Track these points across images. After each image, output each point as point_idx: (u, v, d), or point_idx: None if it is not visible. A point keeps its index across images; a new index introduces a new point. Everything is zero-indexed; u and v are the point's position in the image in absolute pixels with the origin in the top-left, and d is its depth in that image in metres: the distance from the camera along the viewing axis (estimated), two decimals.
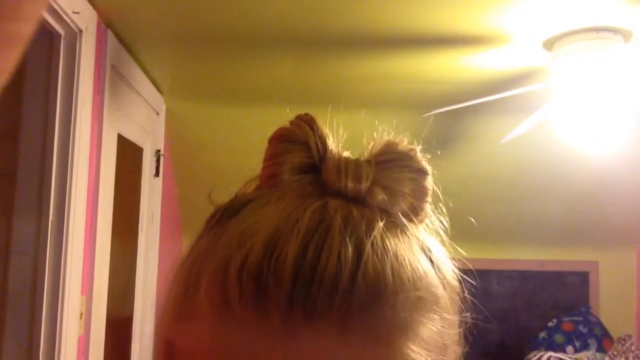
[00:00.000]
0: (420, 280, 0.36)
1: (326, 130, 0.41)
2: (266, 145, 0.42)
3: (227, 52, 1.91)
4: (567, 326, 3.25)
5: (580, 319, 3.25)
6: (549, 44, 1.72)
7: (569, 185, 2.75)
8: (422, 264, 0.37)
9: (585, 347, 3.17)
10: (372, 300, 0.34)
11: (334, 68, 1.99)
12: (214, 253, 0.36)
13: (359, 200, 0.39)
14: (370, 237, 0.35)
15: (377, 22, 1.63)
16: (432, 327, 0.36)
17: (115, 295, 1.89)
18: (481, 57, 1.83)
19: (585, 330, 3.22)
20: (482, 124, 2.45)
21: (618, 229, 3.12)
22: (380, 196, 0.39)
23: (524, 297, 3.42)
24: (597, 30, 1.62)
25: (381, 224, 0.36)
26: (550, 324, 3.27)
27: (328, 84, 2.13)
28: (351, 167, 0.39)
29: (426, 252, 0.38)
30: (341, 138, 0.42)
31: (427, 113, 1.97)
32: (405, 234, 0.38)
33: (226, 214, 0.39)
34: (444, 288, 0.38)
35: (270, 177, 0.41)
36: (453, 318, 0.38)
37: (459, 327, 0.39)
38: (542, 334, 3.26)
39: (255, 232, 0.36)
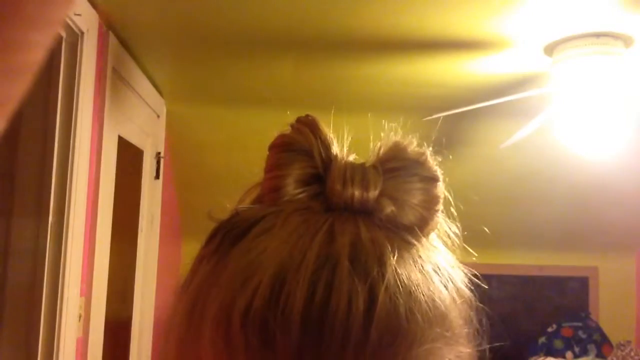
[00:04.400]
0: (436, 316, 0.34)
1: (330, 134, 0.39)
2: (267, 147, 0.40)
3: (228, 54, 1.91)
4: (567, 332, 3.24)
5: (580, 324, 3.25)
6: (550, 49, 1.72)
7: (569, 190, 2.75)
8: (437, 292, 0.35)
9: (584, 352, 3.16)
10: (386, 354, 0.32)
11: (335, 71, 1.99)
12: (217, 289, 0.34)
13: (366, 213, 0.37)
14: (382, 275, 0.33)
15: (379, 26, 1.63)
16: None
17: (114, 297, 1.89)
18: (482, 61, 1.83)
19: (584, 336, 3.21)
20: (482, 129, 2.45)
21: (618, 234, 3.12)
22: (389, 208, 0.37)
23: (524, 302, 3.41)
24: (598, 35, 1.63)
25: (393, 256, 0.34)
26: (549, 329, 3.27)
27: (328, 86, 2.13)
28: (357, 174, 0.37)
29: (438, 272, 0.36)
30: (346, 141, 0.40)
31: (428, 117, 1.97)
32: (417, 255, 0.36)
33: (229, 237, 0.37)
34: (457, 310, 0.36)
35: (272, 190, 0.38)
36: (466, 350, 0.36)
37: (471, 346, 0.38)
38: (542, 339, 3.25)
39: (258, 268, 0.33)
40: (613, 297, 3.35)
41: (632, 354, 2.98)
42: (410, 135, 0.40)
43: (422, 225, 0.38)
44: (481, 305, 0.40)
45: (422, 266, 0.35)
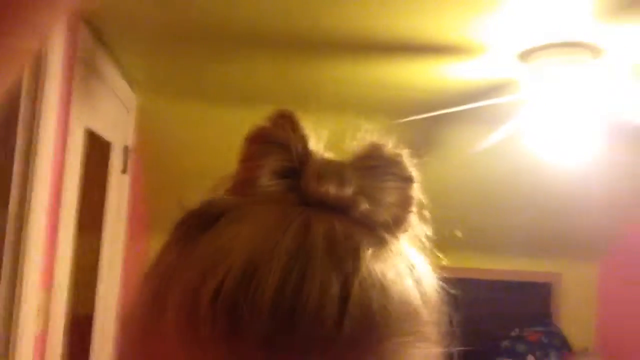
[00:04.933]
0: (408, 312, 0.34)
1: (307, 129, 0.39)
2: (239, 146, 0.39)
3: (205, 50, 1.88)
4: (530, 336, 3.30)
5: (543, 329, 3.30)
6: (523, 56, 1.74)
7: (536, 197, 2.80)
8: (408, 290, 0.35)
9: (546, 357, 3.22)
10: (357, 346, 0.31)
11: (311, 71, 1.99)
12: (185, 270, 0.33)
13: (341, 209, 0.36)
14: (356, 268, 0.33)
15: (355, 28, 1.63)
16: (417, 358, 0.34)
17: (76, 292, 1.85)
18: (457, 66, 1.84)
19: (546, 341, 3.27)
20: (454, 133, 2.47)
21: (582, 242, 3.19)
22: (364, 206, 0.36)
23: (487, 306, 3.46)
24: (571, 45, 1.65)
25: (367, 250, 0.34)
26: (512, 334, 3.32)
27: (303, 87, 2.12)
28: (333, 171, 0.37)
29: (411, 271, 0.36)
30: (322, 137, 0.40)
31: (401, 120, 1.98)
32: (390, 252, 0.36)
33: (198, 224, 0.36)
34: (427, 309, 0.36)
35: (246, 180, 0.38)
36: (436, 349, 0.36)
37: (440, 346, 0.38)
38: (505, 343, 3.30)
39: (231, 252, 0.32)
40: (575, 304, 3.42)
41: None
42: (386, 136, 0.40)
43: (396, 225, 0.38)
44: (449, 308, 0.40)
45: (395, 264, 0.35)
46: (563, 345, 3.27)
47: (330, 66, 1.94)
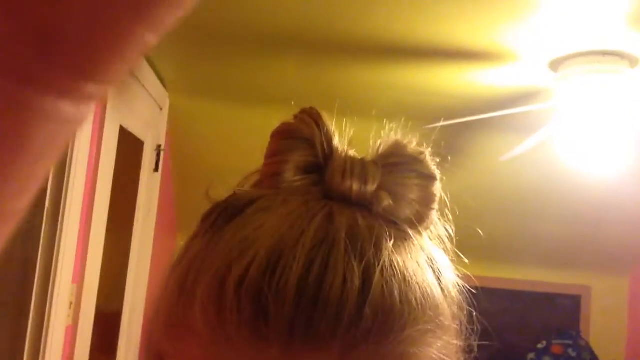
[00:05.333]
0: (429, 303, 0.34)
1: (332, 127, 0.40)
2: (266, 146, 0.40)
3: (234, 51, 1.91)
4: (557, 349, 3.24)
5: (570, 342, 3.24)
6: (555, 65, 1.72)
7: (566, 207, 2.75)
8: (429, 282, 0.35)
9: None
10: (378, 333, 0.32)
11: (339, 74, 2.00)
12: (211, 260, 0.34)
13: (364, 205, 0.37)
14: (378, 258, 0.33)
15: (385, 32, 1.63)
16: (436, 354, 0.35)
17: (106, 287, 1.89)
18: (487, 73, 1.83)
19: (574, 354, 3.21)
20: (483, 140, 2.45)
21: (613, 254, 3.12)
22: (386, 201, 0.37)
23: (514, 317, 3.41)
24: (604, 54, 1.63)
25: (389, 242, 0.34)
26: (539, 346, 3.26)
27: (331, 89, 2.13)
28: (357, 167, 0.38)
29: (432, 265, 0.37)
30: (347, 136, 0.40)
31: (429, 125, 1.97)
32: (412, 245, 0.36)
33: (225, 215, 0.37)
34: (447, 303, 0.37)
35: (272, 175, 0.39)
36: (455, 342, 0.37)
37: (460, 341, 0.38)
38: (531, 355, 3.25)
39: (256, 241, 0.33)
40: (605, 317, 3.35)
41: None
42: (409, 136, 0.41)
43: (418, 221, 0.39)
44: (469, 308, 0.41)
45: (417, 257, 0.36)
46: (592, 358, 3.20)
47: (359, 70, 1.95)
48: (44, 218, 1.39)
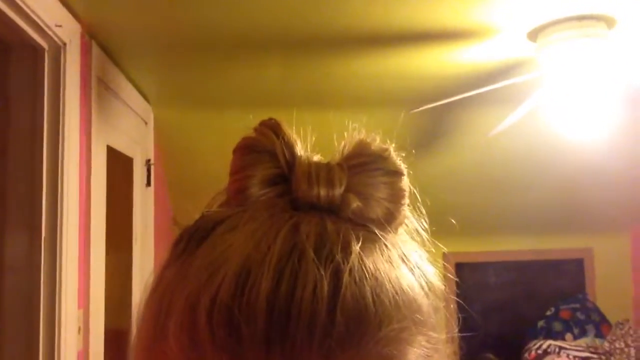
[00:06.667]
0: (404, 301, 0.34)
1: (293, 135, 0.39)
2: None
3: (213, 57, 1.90)
4: (565, 314, 3.26)
5: (578, 305, 3.27)
6: (534, 35, 1.72)
7: (560, 174, 2.77)
8: (404, 279, 0.35)
9: (583, 333, 3.18)
10: (353, 338, 0.31)
11: (322, 68, 1.99)
12: (182, 288, 0.34)
13: (332, 210, 0.37)
14: (347, 261, 0.33)
15: (363, 20, 1.63)
16: (417, 350, 0.34)
17: (112, 308, 1.88)
18: (467, 51, 1.83)
19: (583, 317, 3.24)
20: (471, 117, 2.45)
21: (611, 215, 3.14)
22: (355, 204, 0.37)
23: (521, 287, 3.43)
24: (580, 18, 1.63)
25: (358, 244, 0.34)
26: (548, 313, 3.29)
27: (316, 84, 2.13)
28: (322, 173, 0.37)
29: (407, 262, 0.37)
30: (311, 140, 0.40)
31: (415, 109, 1.98)
32: (384, 245, 0.36)
33: (193, 240, 0.36)
34: (428, 297, 0.36)
35: (238, 192, 0.38)
36: (438, 336, 0.36)
37: (443, 333, 0.37)
38: (541, 323, 3.27)
39: (224, 263, 0.33)
40: (609, 277, 3.38)
41: (631, 332, 3.00)
42: (373, 132, 0.40)
43: (389, 219, 0.38)
44: (452, 297, 0.40)
45: (389, 256, 0.36)
46: (601, 319, 3.23)
47: (340, 62, 1.94)
48: (42, 249, 1.38)
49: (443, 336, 0.36)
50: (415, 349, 0.34)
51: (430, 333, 0.35)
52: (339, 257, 0.33)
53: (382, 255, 0.35)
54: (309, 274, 0.32)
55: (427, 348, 0.34)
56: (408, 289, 0.35)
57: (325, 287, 0.31)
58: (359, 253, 0.34)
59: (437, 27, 1.66)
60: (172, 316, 0.33)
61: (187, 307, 0.33)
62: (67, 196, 1.44)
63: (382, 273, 0.34)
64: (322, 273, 0.32)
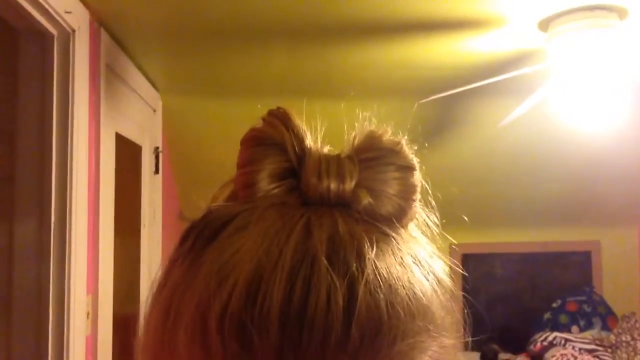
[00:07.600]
0: (417, 309, 0.33)
1: (303, 126, 0.38)
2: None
3: (221, 45, 1.90)
4: (572, 306, 3.26)
5: (584, 298, 3.26)
6: (544, 25, 1.71)
7: (568, 165, 2.76)
8: (417, 283, 0.34)
9: (589, 326, 3.18)
10: (368, 352, 0.31)
11: (329, 57, 1.99)
12: (192, 292, 0.33)
13: (343, 205, 0.36)
14: (361, 270, 0.32)
15: (371, 9, 1.62)
16: (430, 354, 0.34)
17: (120, 294, 1.90)
18: (477, 40, 1.82)
19: (589, 310, 3.23)
20: (480, 108, 2.44)
21: (619, 208, 3.13)
22: (366, 200, 0.36)
23: (527, 279, 3.43)
24: (592, 8, 1.62)
25: (372, 249, 0.33)
26: (554, 305, 3.29)
27: (324, 73, 2.12)
28: (333, 166, 0.36)
29: (418, 263, 0.36)
30: (321, 130, 0.39)
31: (424, 99, 1.97)
32: (396, 247, 0.35)
33: (202, 238, 0.35)
34: (438, 297, 0.35)
35: (246, 186, 0.37)
36: (449, 340, 0.35)
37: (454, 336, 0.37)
38: (547, 315, 3.27)
39: (234, 268, 0.32)
40: (616, 270, 3.37)
41: (637, 325, 3.00)
42: (384, 123, 0.39)
43: (400, 216, 0.37)
44: (463, 293, 0.40)
45: (401, 258, 0.35)
46: (608, 312, 3.22)
47: (350, 51, 1.94)
48: (51, 235, 1.39)
49: (453, 338, 0.36)
50: (427, 357, 0.33)
51: (443, 339, 0.35)
52: (353, 265, 0.32)
53: (395, 258, 0.34)
54: (322, 283, 0.31)
55: (438, 352, 0.34)
56: (421, 294, 0.34)
57: (340, 298, 0.31)
58: (373, 260, 0.33)
59: (447, 17, 1.65)
60: (182, 324, 0.32)
61: (198, 316, 0.32)
62: (76, 183, 1.45)
63: (395, 279, 0.33)
64: (336, 282, 0.31)
